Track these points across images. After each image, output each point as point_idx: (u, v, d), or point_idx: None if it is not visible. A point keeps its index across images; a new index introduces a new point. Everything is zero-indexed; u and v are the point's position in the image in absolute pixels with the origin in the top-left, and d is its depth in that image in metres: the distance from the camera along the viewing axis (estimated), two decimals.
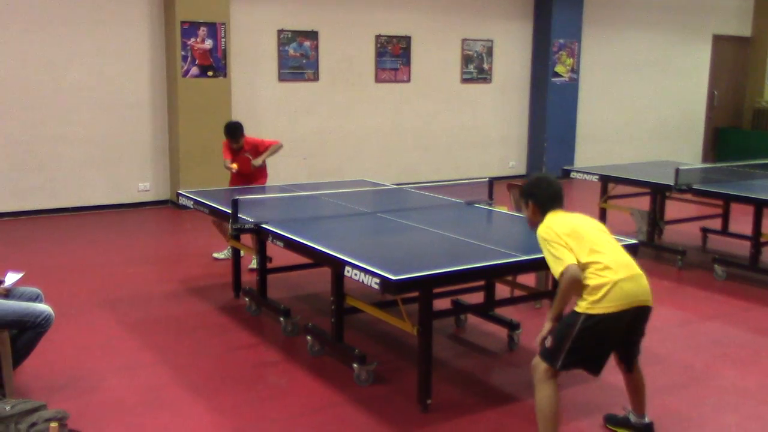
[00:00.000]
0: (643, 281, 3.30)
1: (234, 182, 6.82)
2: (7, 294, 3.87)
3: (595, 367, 3.32)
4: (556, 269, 3.21)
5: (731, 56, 14.49)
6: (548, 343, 3.26)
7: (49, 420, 3.24)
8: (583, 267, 3.18)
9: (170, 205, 9.33)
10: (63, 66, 8.56)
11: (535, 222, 3.47)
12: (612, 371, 4.34)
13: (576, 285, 3.17)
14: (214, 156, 9.14)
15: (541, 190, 3.45)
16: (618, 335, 3.29)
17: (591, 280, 3.18)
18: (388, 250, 4.17)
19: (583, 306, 3.19)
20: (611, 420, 3.70)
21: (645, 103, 13.45)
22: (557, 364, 3.22)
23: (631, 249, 4.13)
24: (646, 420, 3.60)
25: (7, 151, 8.41)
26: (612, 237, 3.45)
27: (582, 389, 4.14)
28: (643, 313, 3.32)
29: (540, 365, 3.27)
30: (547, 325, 3.29)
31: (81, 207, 8.87)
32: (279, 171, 9.89)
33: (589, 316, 3.17)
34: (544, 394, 3.23)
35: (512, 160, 12.28)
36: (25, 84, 8.39)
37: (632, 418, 3.61)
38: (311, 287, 5.94)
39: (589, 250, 3.23)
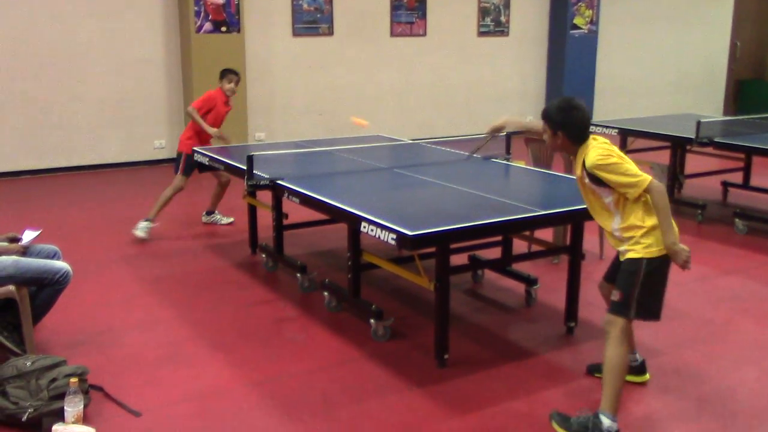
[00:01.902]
0: None
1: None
2: (25, 251, 3.88)
3: (658, 312, 3.24)
4: (637, 187, 3.02)
5: (755, 6, 14.13)
6: (616, 296, 3.18)
7: (69, 375, 3.26)
8: (630, 201, 3.09)
9: None
10: (76, 23, 8.49)
11: (560, 149, 3.29)
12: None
13: (666, 197, 3.05)
14: (229, 112, 9.11)
15: (575, 120, 3.18)
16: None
17: (642, 219, 3.09)
18: (404, 205, 4.13)
19: (640, 250, 3.11)
20: (595, 368, 3.68)
21: (665, 55, 13.19)
22: (631, 314, 3.15)
23: None
24: (639, 358, 3.63)
25: (22, 110, 8.40)
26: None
27: (600, 344, 4.12)
28: None
29: (616, 322, 3.15)
30: (678, 252, 3.05)
31: (97, 165, 8.88)
32: (295, 127, 9.86)
33: (650, 260, 3.10)
34: (617, 351, 3.12)
35: (530, 115, 12.10)
36: (38, 42, 8.34)
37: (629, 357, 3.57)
38: (327, 243, 5.94)
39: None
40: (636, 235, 3.12)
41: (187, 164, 6.08)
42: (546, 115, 3.24)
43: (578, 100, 3.22)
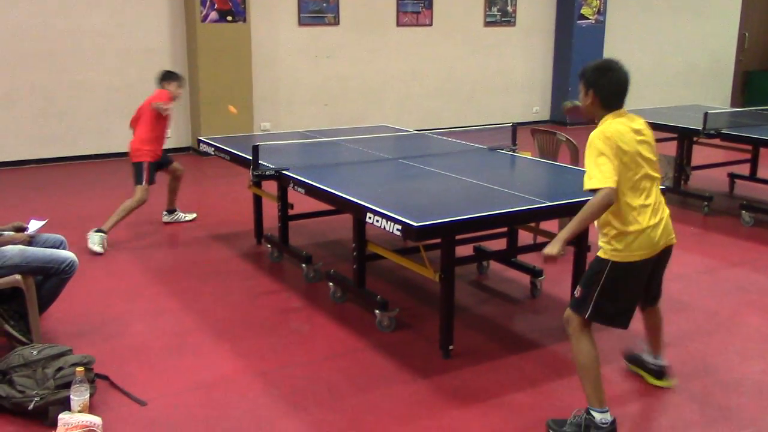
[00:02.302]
0: (669, 222, 3.13)
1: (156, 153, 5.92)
2: (31, 241, 3.89)
3: (623, 320, 3.15)
4: (588, 182, 2.91)
5: None
6: (577, 292, 3.13)
7: (75, 364, 3.28)
8: (617, 196, 2.92)
9: (191, 152, 9.32)
10: (82, 12, 8.49)
11: (589, 114, 3.13)
12: (636, 318, 4.32)
13: (602, 211, 2.91)
14: (235, 102, 9.07)
15: (608, 81, 3.03)
16: (644, 280, 3.17)
17: (619, 221, 2.98)
18: (410, 196, 4.12)
19: (608, 252, 3.04)
20: (631, 359, 3.68)
21: (673, 46, 13.12)
22: (586, 313, 3.07)
23: None
24: (662, 362, 3.56)
25: (28, 98, 8.41)
26: (656, 159, 3.12)
27: (605, 336, 4.12)
28: (667, 251, 3.20)
29: (572, 318, 3.12)
30: (555, 245, 2.94)
31: (102, 154, 8.88)
32: (300, 117, 9.85)
33: (615, 264, 3.03)
34: (580, 347, 3.08)
35: (536, 106, 12.09)
36: (44, 31, 8.34)
37: (646, 357, 3.57)
38: (333, 234, 5.94)
39: (631, 183, 2.97)
40: (609, 234, 3.04)
41: (150, 173, 5.78)
42: (582, 72, 3.12)
43: (621, 64, 3.08)
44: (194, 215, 6.40)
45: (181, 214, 6.36)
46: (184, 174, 6.33)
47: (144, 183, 5.77)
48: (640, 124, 3.09)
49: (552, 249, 2.96)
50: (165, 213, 6.33)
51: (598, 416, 3.04)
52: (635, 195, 3.00)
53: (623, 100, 3.08)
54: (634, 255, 3.03)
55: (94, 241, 5.49)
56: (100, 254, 5.44)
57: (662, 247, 3.13)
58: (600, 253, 3.09)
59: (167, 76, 5.93)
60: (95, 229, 5.57)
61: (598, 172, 2.90)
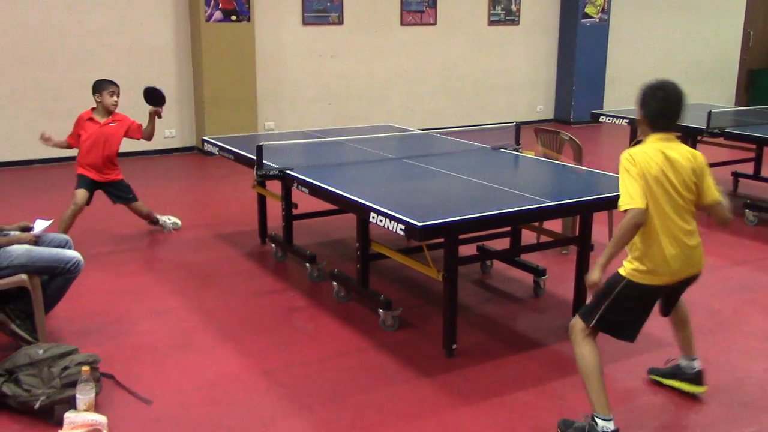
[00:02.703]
0: (698, 253, 3.08)
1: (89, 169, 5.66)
2: (37, 241, 3.91)
3: (630, 334, 3.13)
4: (620, 203, 2.91)
5: None
6: (588, 301, 3.11)
7: (80, 363, 3.30)
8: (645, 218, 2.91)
9: (196, 151, 9.35)
10: (87, 11, 8.52)
11: (641, 134, 3.11)
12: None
13: (633, 231, 2.90)
14: (239, 102, 9.14)
15: (656, 101, 3.00)
16: (654, 302, 3.13)
17: (642, 243, 2.96)
18: (413, 196, 4.14)
19: (627, 269, 3.02)
20: (656, 371, 3.61)
21: (677, 45, 13.11)
22: (591, 321, 3.04)
23: None
24: (696, 366, 3.45)
25: (35, 98, 8.45)
26: (692, 190, 3.03)
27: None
28: (689, 279, 3.15)
29: (576, 324, 3.10)
30: (596, 271, 2.96)
31: None
32: (304, 116, 9.87)
33: (630, 282, 3.00)
34: (581, 352, 3.05)
35: (540, 104, 12.09)
36: (51, 31, 8.37)
37: (682, 362, 3.49)
38: (336, 233, 5.95)
39: (656, 209, 2.93)
40: (632, 252, 3.03)
41: (78, 181, 5.63)
42: (642, 89, 3.12)
43: (674, 87, 3.03)
44: (179, 223, 6.10)
45: (166, 221, 6.04)
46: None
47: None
48: (678, 153, 3.01)
49: (593, 276, 2.98)
50: (149, 224, 6.06)
51: (600, 423, 3.02)
52: (660, 221, 2.96)
53: (671, 123, 3.03)
54: (650, 279, 3.00)
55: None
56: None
57: (683, 277, 3.09)
58: (620, 269, 3.07)
59: (96, 88, 5.66)
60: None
61: (626, 193, 2.91)
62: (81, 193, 5.57)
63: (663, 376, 3.57)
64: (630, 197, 2.88)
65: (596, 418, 3.03)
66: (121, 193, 5.84)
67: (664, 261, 2.97)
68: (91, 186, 5.65)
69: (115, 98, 5.62)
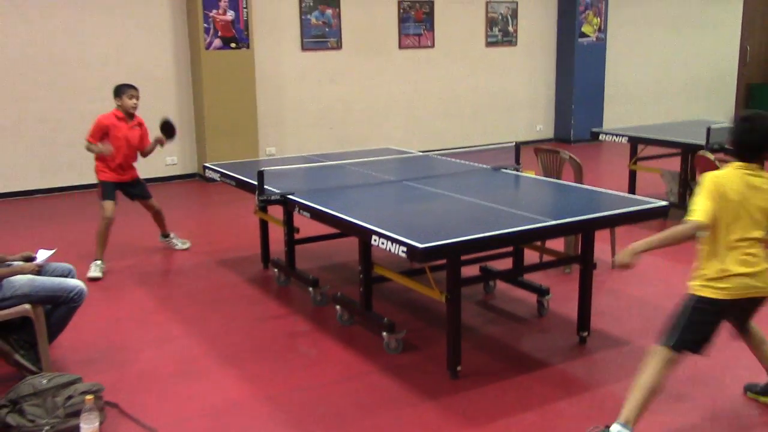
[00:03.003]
0: (765, 275, 3.12)
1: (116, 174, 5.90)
2: (40, 270, 3.91)
3: (696, 347, 3.16)
4: (688, 214, 3.08)
5: (764, 9, 14.10)
6: (667, 326, 3.19)
7: (84, 393, 3.30)
8: (708, 238, 3.06)
9: (198, 178, 9.38)
10: (88, 41, 8.59)
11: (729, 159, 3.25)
12: (644, 335, 4.32)
13: (681, 239, 3.04)
14: (240, 128, 9.19)
15: (742, 133, 3.10)
16: (722, 318, 3.20)
17: (712, 260, 3.07)
18: (415, 217, 4.15)
19: (696, 287, 3.12)
20: (752, 388, 3.64)
21: (675, 61, 13.18)
22: (671, 342, 3.09)
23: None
24: None
25: (36, 128, 8.50)
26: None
27: (613, 354, 4.11)
28: (756, 301, 3.22)
29: (660, 350, 3.12)
30: (626, 253, 3.08)
31: None
32: (305, 141, 9.91)
33: (702, 299, 3.09)
34: (655, 369, 3.08)
35: (539, 124, 12.14)
36: (51, 60, 8.44)
37: None
38: (339, 257, 5.96)
39: (730, 229, 3.04)
40: (700, 269, 3.14)
41: (103, 190, 5.82)
42: (734, 119, 3.25)
43: (764, 121, 3.09)
44: (188, 245, 6.35)
45: (175, 240, 6.35)
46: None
47: (101, 200, 5.82)
48: (760, 180, 3.09)
49: (623, 258, 3.10)
50: (160, 236, 6.38)
51: (615, 428, 3.05)
52: (729, 241, 3.06)
53: (758, 156, 3.09)
54: (718, 293, 3.08)
55: (93, 269, 5.61)
56: (98, 279, 5.53)
57: (749, 296, 3.14)
58: (690, 289, 3.16)
59: (116, 92, 5.89)
60: (95, 259, 5.70)
61: (694, 207, 3.05)
62: (110, 206, 5.79)
63: (759, 394, 3.60)
64: (695, 211, 3.04)
65: (616, 424, 3.06)
66: (138, 191, 6.10)
67: (731, 278, 3.06)
68: (115, 193, 5.89)
69: (134, 101, 5.86)
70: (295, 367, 4.05)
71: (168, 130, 6.01)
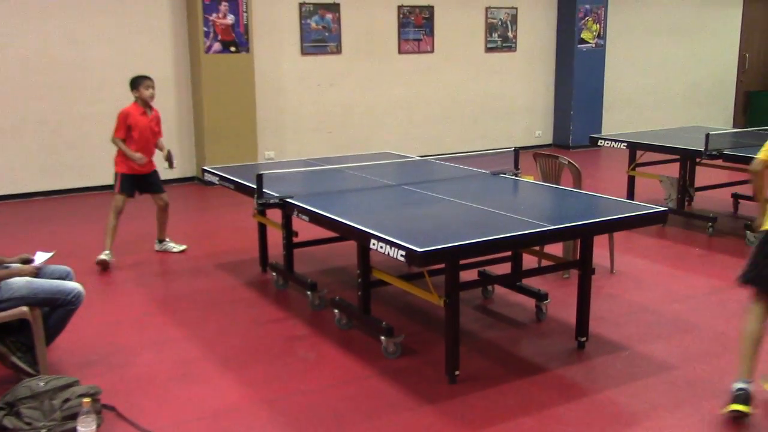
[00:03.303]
0: None
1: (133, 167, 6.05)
2: (38, 273, 3.91)
3: (756, 279, 3.48)
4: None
5: (763, 17, 14.14)
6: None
7: (82, 395, 3.29)
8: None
9: (196, 181, 9.37)
10: (88, 44, 8.60)
11: None
12: (642, 340, 4.32)
13: (753, 176, 3.67)
14: (239, 132, 9.19)
15: None
16: None
17: None
18: (413, 222, 4.14)
19: (765, 223, 3.48)
20: None
21: (674, 68, 13.21)
22: (742, 278, 3.49)
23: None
24: None
25: (35, 131, 8.49)
26: None
27: (611, 359, 4.11)
28: None
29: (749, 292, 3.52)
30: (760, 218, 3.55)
31: (109, 185, 8.87)
32: (304, 145, 9.92)
33: (765, 232, 3.45)
34: (746, 319, 3.46)
35: (538, 130, 12.15)
36: (52, 65, 8.44)
37: None
38: (337, 261, 5.95)
39: None
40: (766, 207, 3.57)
41: (121, 183, 6.03)
42: None
43: None
44: (184, 247, 6.37)
45: (171, 244, 6.37)
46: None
47: (116, 192, 6.07)
48: None
49: (758, 222, 3.61)
50: (156, 242, 6.40)
51: (735, 386, 3.37)
52: None
53: None
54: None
55: (102, 256, 5.85)
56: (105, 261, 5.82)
57: None
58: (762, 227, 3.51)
59: (132, 85, 6.05)
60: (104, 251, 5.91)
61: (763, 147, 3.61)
62: (121, 199, 6.04)
63: None
64: (761, 151, 3.61)
65: (735, 384, 3.39)
66: (153, 182, 6.21)
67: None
68: (132, 187, 6.10)
69: (151, 90, 6.02)
70: (294, 370, 4.04)
71: (169, 159, 6.22)
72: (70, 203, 8.40)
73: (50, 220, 7.67)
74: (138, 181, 6.11)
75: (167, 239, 6.38)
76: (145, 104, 6.02)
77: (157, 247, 6.38)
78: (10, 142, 8.40)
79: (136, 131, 5.95)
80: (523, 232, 3.72)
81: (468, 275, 4.71)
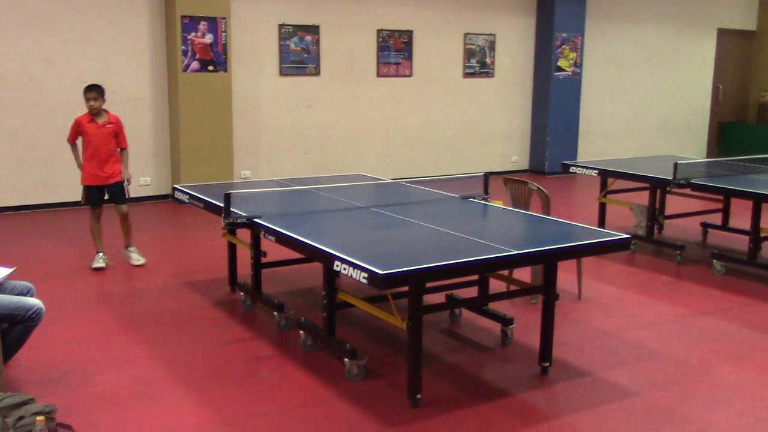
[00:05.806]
0: None
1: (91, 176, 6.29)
2: None
3: None
4: None
5: (736, 50, 14.41)
6: None
7: (36, 413, 3.24)
8: None
9: (171, 199, 9.34)
10: (64, 61, 8.58)
11: None
12: (605, 366, 4.34)
13: None
14: (215, 151, 9.19)
15: None
16: None
17: None
18: (380, 244, 4.15)
19: None
20: None
21: (649, 98, 13.40)
22: None
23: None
24: None
25: (9, 146, 8.44)
26: None
27: (574, 384, 4.13)
28: None
29: None
30: None
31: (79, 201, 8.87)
32: (281, 165, 9.92)
33: None
34: None
35: (515, 155, 12.25)
36: (25, 79, 8.41)
37: None
38: (306, 282, 5.94)
39: None
40: None
41: (86, 195, 6.33)
42: None
43: None
44: (143, 261, 6.43)
45: (134, 254, 6.46)
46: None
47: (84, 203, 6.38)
48: None
49: None
50: (124, 248, 6.54)
51: None
52: None
53: None
54: None
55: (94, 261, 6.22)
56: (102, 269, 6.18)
57: None
58: None
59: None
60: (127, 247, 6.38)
61: None
62: (90, 210, 6.34)
63: None
64: None
65: None
66: (115, 193, 6.35)
67: None
68: (97, 198, 6.32)
69: (90, 102, 6.14)
70: (256, 392, 4.02)
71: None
72: (41, 218, 8.33)
73: (21, 235, 7.59)
74: (101, 192, 6.29)
75: (132, 247, 6.48)
76: (93, 114, 6.19)
77: (124, 252, 6.52)
78: None
79: (86, 137, 6.21)
80: (486, 256, 3.74)
81: (436, 298, 4.72)
